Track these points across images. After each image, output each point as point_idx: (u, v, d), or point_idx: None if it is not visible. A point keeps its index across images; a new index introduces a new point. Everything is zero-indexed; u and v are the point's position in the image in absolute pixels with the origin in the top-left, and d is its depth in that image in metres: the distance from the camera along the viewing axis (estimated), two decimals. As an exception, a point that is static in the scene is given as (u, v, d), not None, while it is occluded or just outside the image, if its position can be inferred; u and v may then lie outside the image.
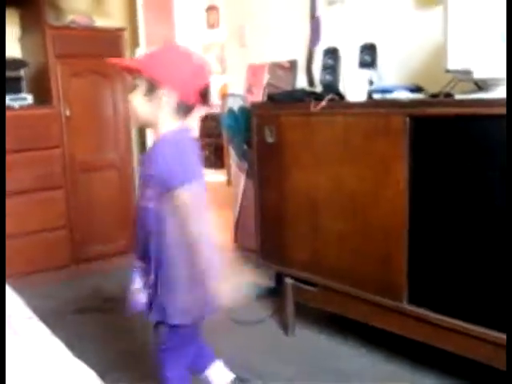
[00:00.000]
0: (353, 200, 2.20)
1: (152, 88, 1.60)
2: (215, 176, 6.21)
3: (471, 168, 1.82)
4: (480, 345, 1.84)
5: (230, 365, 2.29)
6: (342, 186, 2.24)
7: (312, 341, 2.58)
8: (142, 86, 1.61)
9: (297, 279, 2.55)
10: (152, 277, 1.70)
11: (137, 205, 1.77)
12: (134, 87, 1.63)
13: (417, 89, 2.19)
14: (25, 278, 3.20)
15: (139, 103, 1.64)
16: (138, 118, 1.69)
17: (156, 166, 1.62)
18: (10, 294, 1.50)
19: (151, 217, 1.66)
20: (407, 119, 1.97)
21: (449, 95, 2.01)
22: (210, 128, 7.51)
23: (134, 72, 1.64)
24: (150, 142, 3.83)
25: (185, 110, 1.66)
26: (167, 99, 1.60)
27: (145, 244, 1.72)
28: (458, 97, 1.93)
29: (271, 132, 2.47)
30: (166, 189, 1.58)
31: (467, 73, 1.84)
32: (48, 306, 2.97)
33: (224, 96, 3.61)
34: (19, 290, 1.65)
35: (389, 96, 2.15)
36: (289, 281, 2.59)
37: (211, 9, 7.33)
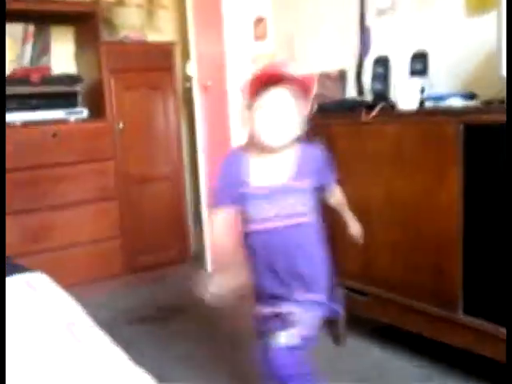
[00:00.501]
0: (405, 209, 2.19)
1: (299, 103, 1.60)
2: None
3: (528, 176, 1.78)
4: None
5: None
6: (394, 196, 2.22)
7: (363, 351, 2.56)
8: (297, 104, 1.59)
9: (349, 289, 2.53)
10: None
11: (261, 229, 1.66)
12: (281, 104, 1.57)
13: (470, 96, 2.16)
14: (80, 287, 3.27)
15: (299, 118, 1.61)
16: (290, 136, 1.62)
17: (320, 160, 1.71)
18: (71, 302, 1.54)
19: (305, 232, 1.70)
20: (461, 127, 1.94)
21: (503, 102, 1.97)
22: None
23: (307, 89, 1.59)
24: (202, 154, 3.88)
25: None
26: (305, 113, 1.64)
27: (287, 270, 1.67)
28: None
29: (322, 142, 2.47)
30: (323, 190, 1.77)
31: (522, 78, 1.80)
32: (103, 316, 3.02)
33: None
34: (75, 299, 1.69)
35: (441, 104, 2.13)
36: (340, 290, 2.57)
37: (259, 20, 7.39)
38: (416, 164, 2.12)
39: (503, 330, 1.90)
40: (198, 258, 4.13)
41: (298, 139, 1.66)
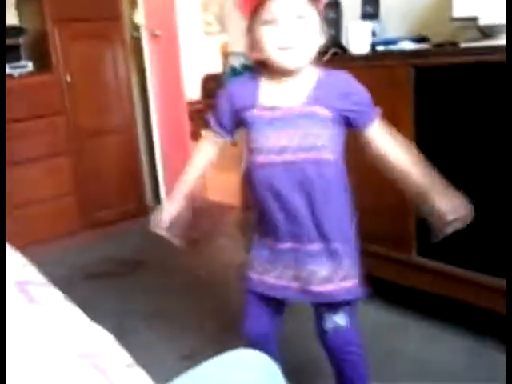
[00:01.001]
0: (358, 154, 2.19)
1: (319, 16, 1.34)
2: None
3: (477, 116, 1.80)
4: (490, 294, 1.86)
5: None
6: (347, 140, 2.22)
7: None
8: (314, 13, 1.32)
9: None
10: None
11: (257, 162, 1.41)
12: (301, 16, 1.30)
13: (421, 39, 2.16)
14: (35, 245, 3.23)
15: (313, 34, 1.33)
16: (308, 54, 1.35)
17: (349, 89, 1.40)
18: (23, 261, 1.51)
19: (330, 172, 1.43)
20: (412, 70, 1.94)
21: (453, 44, 1.98)
22: (212, 89, 7.46)
23: None
24: (154, 105, 3.80)
25: None
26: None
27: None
28: (462, 45, 1.90)
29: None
30: (357, 125, 1.42)
31: (473, 19, 1.80)
32: (59, 273, 3.00)
33: (225, 55, 3.57)
34: (30, 258, 1.66)
35: (392, 47, 2.12)
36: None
37: (208, -35, 7.21)
38: (369, 109, 2.12)
39: (455, 270, 1.95)
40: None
41: (317, 60, 1.41)
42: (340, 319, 1.51)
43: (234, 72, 3.22)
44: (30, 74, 3.40)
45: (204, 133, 1.55)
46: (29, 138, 3.37)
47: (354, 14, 2.50)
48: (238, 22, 3.45)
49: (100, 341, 1.08)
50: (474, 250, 1.91)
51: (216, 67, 7.08)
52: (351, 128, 1.44)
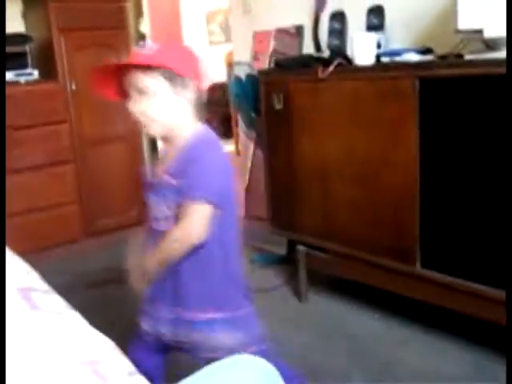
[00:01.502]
0: (363, 165, 2.20)
1: (176, 84, 1.34)
2: (223, 146, 6.17)
3: (482, 129, 1.80)
4: (493, 306, 1.85)
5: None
6: (352, 152, 2.23)
7: (325, 307, 2.60)
8: (160, 86, 1.33)
9: (308, 246, 2.55)
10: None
11: (148, 228, 1.52)
12: (141, 92, 1.33)
13: (425, 50, 2.16)
14: (37, 253, 3.22)
15: (161, 107, 1.35)
16: (161, 125, 1.38)
17: (191, 164, 1.34)
18: (27, 268, 1.52)
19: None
20: (416, 81, 1.95)
21: (458, 56, 1.98)
22: (217, 97, 7.48)
23: (153, 67, 1.31)
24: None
25: (200, 106, 1.41)
26: (191, 94, 1.37)
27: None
28: (467, 57, 1.90)
29: (279, 99, 2.45)
30: (183, 199, 1.35)
31: (478, 32, 1.81)
32: (61, 280, 2.98)
33: (230, 65, 3.59)
34: (33, 265, 1.66)
35: (397, 59, 2.12)
36: (301, 248, 2.59)
37: (214, -24, 7.26)
38: (373, 119, 2.12)
39: (459, 281, 1.94)
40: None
41: (200, 124, 1.42)
42: None
43: (239, 81, 3.23)
44: (36, 81, 3.41)
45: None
46: (32, 145, 3.38)
47: (358, 25, 2.51)
48: (242, 32, 3.47)
49: (102, 348, 1.08)
50: (478, 262, 1.90)
51: (221, 76, 7.12)
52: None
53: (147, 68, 1.30)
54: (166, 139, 1.43)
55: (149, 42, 1.31)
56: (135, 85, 1.32)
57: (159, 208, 1.41)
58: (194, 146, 1.37)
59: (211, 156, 1.39)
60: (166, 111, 1.35)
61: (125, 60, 1.33)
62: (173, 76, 1.33)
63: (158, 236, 1.41)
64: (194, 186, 1.33)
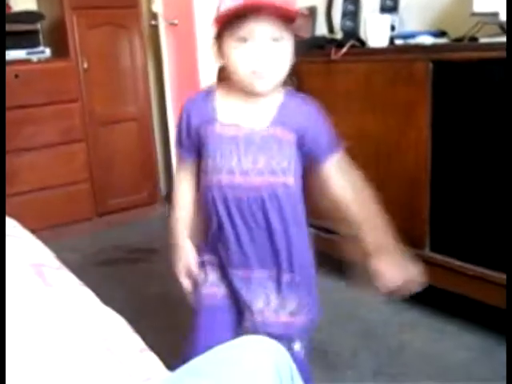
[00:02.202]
0: (375, 147, 2.19)
1: (287, 36, 1.26)
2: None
3: (495, 113, 1.79)
4: (501, 291, 1.85)
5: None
6: (364, 134, 2.22)
7: (334, 289, 2.60)
8: (287, 37, 1.26)
9: (318, 228, 2.55)
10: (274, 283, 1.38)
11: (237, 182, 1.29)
12: (276, 40, 1.23)
13: (440, 33, 2.15)
14: (49, 230, 3.25)
15: (287, 58, 1.27)
16: (279, 77, 1.28)
17: (312, 121, 1.32)
18: (39, 245, 1.53)
19: (287, 199, 1.35)
20: (430, 64, 1.93)
21: (473, 39, 1.96)
22: (226, 78, 7.45)
23: (291, 18, 1.24)
24: (169, 94, 3.81)
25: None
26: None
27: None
28: (482, 40, 1.89)
29: (292, 80, 2.43)
30: (315, 159, 1.34)
31: (493, 15, 1.79)
32: (74, 258, 3.02)
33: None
34: (45, 243, 1.67)
35: (411, 41, 2.11)
36: (310, 230, 2.59)
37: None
38: (386, 101, 2.11)
39: (469, 266, 1.94)
40: (168, 199, 4.12)
41: (284, 83, 1.33)
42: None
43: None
44: (48, 60, 3.41)
45: (177, 165, 1.46)
46: (44, 123, 3.38)
47: (373, 6, 2.49)
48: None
49: (113, 325, 1.09)
50: (488, 247, 1.90)
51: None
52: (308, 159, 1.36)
53: (285, 18, 1.21)
54: (254, 95, 1.28)
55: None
56: (269, 31, 1.20)
57: (251, 160, 1.28)
58: (295, 98, 1.34)
59: (319, 108, 1.36)
60: (287, 64, 1.28)
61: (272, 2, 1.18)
62: (297, 30, 1.29)
63: (246, 192, 1.29)
64: (329, 141, 1.35)
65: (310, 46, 2.45)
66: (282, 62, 1.26)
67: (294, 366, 0.99)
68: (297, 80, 2.42)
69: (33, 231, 1.74)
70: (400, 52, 2.10)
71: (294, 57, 1.30)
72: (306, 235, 1.44)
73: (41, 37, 3.48)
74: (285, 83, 1.33)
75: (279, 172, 1.30)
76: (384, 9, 2.43)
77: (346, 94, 2.25)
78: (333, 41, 2.41)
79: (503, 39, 1.80)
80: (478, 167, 1.88)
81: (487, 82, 1.80)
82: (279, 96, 1.32)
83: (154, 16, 3.78)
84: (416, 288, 1.35)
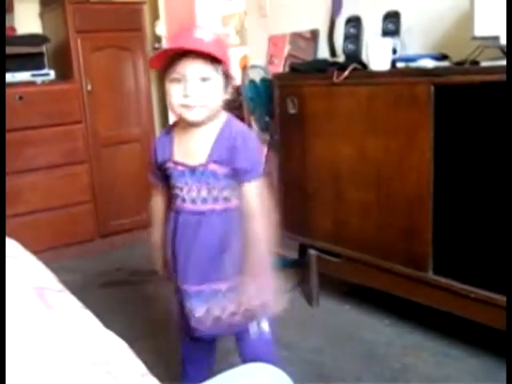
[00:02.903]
0: (377, 170, 2.19)
1: (227, 77, 1.48)
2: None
3: (497, 136, 1.80)
4: (505, 314, 1.84)
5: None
6: (366, 157, 2.22)
7: (336, 311, 2.60)
8: (217, 75, 1.44)
9: (320, 250, 2.55)
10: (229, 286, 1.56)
11: (184, 209, 1.55)
12: (203, 79, 1.43)
13: (442, 57, 2.16)
14: (51, 251, 3.25)
15: (216, 94, 1.46)
16: (210, 110, 1.47)
17: (244, 155, 1.48)
18: (41, 267, 1.53)
19: (221, 221, 1.53)
20: (432, 87, 1.94)
21: (475, 63, 1.97)
22: (230, 100, 7.49)
23: (219, 61, 1.43)
24: (173, 118, 3.82)
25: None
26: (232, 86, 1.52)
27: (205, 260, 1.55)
28: (483, 64, 1.90)
29: (294, 103, 2.45)
30: (238, 181, 1.51)
31: (494, 39, 1.80)
32: (75, 280, 3.02)
33: (244, 68, 3.59)
34: (46, 264, 1.67)
35: (413, 64, 2.12)
36: (312, 252, 2.59)
37: (230, -21, 7.26)
38: (387, 125, 2.12)
39: (472, 289, 1.93)
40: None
41: (227, 111, 1.55)
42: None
43: (253, 85, 3.23)
44: (52, 82, 3.44)
45: (153, 187, 1.68)
46: (48, 144, 3.40)
47: (374, 30, 2.51)
48: (257, 36, 3.47)
49: (114, 348, 1.08)
50: (491, 270, 1.89)
51: (235, 79, 7.11)
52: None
53: (210, 58, 1.41)
54: (197, 125, 1.50)
55: (201, 29, 1.45)
56: (197, 71, 1.41)
57: (196, 190, 1.52)
58: (231, 125, 1.52)
59: (252, 135, 1.58)
60: (217, 99, 1.47)
61: (194, 46, 1.40)
62: (226, 70, 1.47)
63: (193, 215, 1.53)
64: (249, 169, 1.50)
65: (313, 69, 2.47)
66: (210, 98, 1.45)
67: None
68: (298, 102, 2.46)
69: (34, 252, 1.73)
70: (402, 75, 2.11)
71: (226, 92, 1.50)
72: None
73: (45, 59, 3.52)
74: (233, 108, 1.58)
75: (220, 200, 1.52)
76: (386, 32, 2.45)
77: (348, 116, 2.26)
78: (335, 64, 2.42)
79: (504, 62, 1.82)
80: (480, 189, 1.88)
81: (489, 105, 1.81)
82: (217, 124, 1.52)
83: (158, 39, 3.82)
84: (272, 311, 1.57)
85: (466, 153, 1.90)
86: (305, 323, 2.48)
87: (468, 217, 1.93)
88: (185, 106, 1.44)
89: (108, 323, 1.25)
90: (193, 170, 1.51)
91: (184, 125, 1.53)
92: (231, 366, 1.05)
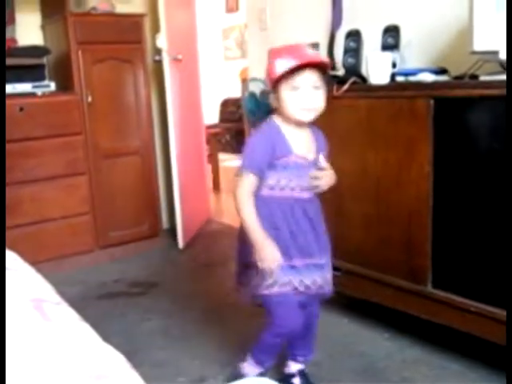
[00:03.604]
0: (377, 184, 2.20)
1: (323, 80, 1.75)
2: (236, 161, 6.21)
3: (496, 150, 1.80)
4: (505, 329, 1.83)
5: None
6: (366, 170, 2.23)
7: (336, 325, 2.59)
8: (322, 84, 1.74)
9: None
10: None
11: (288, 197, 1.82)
12: (317, 87, 1.73)
13: (441, 71, 2.17)
14: (50, 263, 3.24)
15: (323, 101, 1.76)
16: (317, 113, 1.77)
17: (326, 145, 1.89)
18: (39, 279, 1.52)
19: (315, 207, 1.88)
20: (431, 101, 1.95)
21: (474, 77, 1.98)
22: (230, 113, 7.52)
23: (325, 70, 1.75)
24: (172, 128, 3.83)
25: None
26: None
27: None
28: (482, 78, 1.90)
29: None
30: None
31: (493, 53, 1.81)
32: (74, 291, 3.02)
33: (244, 80, 3.60)
34: (45, 276, 1.67)
35: (412, 78, 2.13)
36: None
37: (230, -8, 7.32)
38: (387, 138, 2.12)
39: (471, 303, 1.93)
40: (170, 233, 4.12)
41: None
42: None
43: (253, 97, 3.24)
44: (52, 93, 3.44)
45: (245, 179, 1.76)
46: (48, 155, 3.40)
47: (374, 44, 2.52)
48: (258, 49, 3.49)
49: (111, 362, 1.08)
50: (490, 284, 1.89)
51: (235, 92, 7.14)
52: None
53: (321, 69, 1.73)
54: (301, 125, 1.79)
55: (308, 47, 1.85)
56: (314, 81, 1.72)
57: (304, 180, 1.81)
58: (314, 127, 1.87)
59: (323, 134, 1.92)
60: (323, 104, 1.76)
61: (318, 59, 1.75)
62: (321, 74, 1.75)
63: (304, 202, 1.83)
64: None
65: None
66: (320, 102, 1.76)
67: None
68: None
69: (33, 264, 1.73)
70: (401, 89, 2.11)
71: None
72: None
73: (46, 71, 3.53)
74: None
75: (316, 188, 1.87)
76: (385, 46, 2.46)
77: (348, 130, 2.27)
78: (335, 77, 2.43)
79: (503, 77, 1.83)
80: (479, 203, 1.88)
81: (488, 119, 1.82)
82: (308, 126, 1.84)
83: (158, 51, 3.83)
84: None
85: (464, 166, 1.90)
86: (304, 336, 2.47)
87: (467, 230, 1.93)
88: (304, 110, 1.74)
89: (106, 335, 1.25)
90: (306, 162, 1.80)
91: (290, 123, 1.79)
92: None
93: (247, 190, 1.76)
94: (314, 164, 1.83)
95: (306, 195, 1.83)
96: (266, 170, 1.76)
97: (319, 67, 1.72)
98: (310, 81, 1.71)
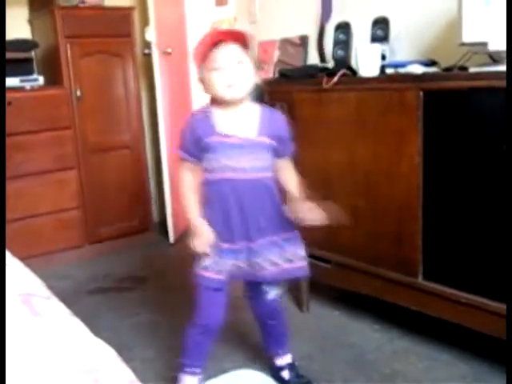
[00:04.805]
0: (366, 176, 2.20)
1: (246, 54, 1.73)
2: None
3: (486, 141, 1.80)
4: (495, 320, 1.84)
5: (246, 343, 2.32)
6: (356, 163, 2.23)
7: (326, 317, 2.59)
8: (248, 57, 1.73)
9: (310, 256, 2.54)
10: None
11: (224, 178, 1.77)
12: (240, 62, 1.70)
13: (430, 63, 2.16)
14: (39, 258, 3.23)
15: (250, 75, 1.74)
16: (246, 89, 1.74)
17: (283, 128, 1.82)
18: (28, 274, 1.52)
19: (270, 188, 1.83)
20: (421, 93, 1.95)
21: (463, 68, 1.98)
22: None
23: (246, 44, 1.73)
24: (162, 122, 3.81)
25: None
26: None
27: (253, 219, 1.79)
28: (472, 70, 1.91)
29: (283, 109, 2.45)
30: (278, 154, 1.83)
31: (482, 45, 1.81)
32: (64, 286, 3.01)
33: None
34: (34, 271, 1.66)
35: (402, 70, 2.13)
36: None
37: (220, -15, 7.27)
38: (377, 130, 2.12)
39: (462, 294, 1.94)
40: (161, 227, 4.11)
41: (255, 96, 1.80)
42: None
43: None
44: (41, 87, 3.42)
45: (182, 164, 1.83)
46: (37, 150, 3.38)
47: (364, 36, 2.52)
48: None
49: (102, 356, 1.07)
50: (481, 275, 1.90)
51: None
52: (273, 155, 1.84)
53: (243, 44, 1.71)
54: (233, 103, 1.74)
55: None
56: (233, 56, 1.69)
57: (247, 161, 1.75)
58: (268, 110, 1.84)
59: (283, 117, 1.87)
60: (251, 80, 1.74)
61: (235, 31, 1.81)
62: (243, 49, 1.73)
63: (240, 183, 1.76)
64: (287, 145, 1.86)
65: (302, 75, 2.47)
66: (245, 77, 1.72)
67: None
68: (287, 107, 2.46)
69: (23, 259, 1.72)
70: (391, 81, 2.11)
71: (255, 75, 1.77)
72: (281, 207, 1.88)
73: (34, 65, 3.50)
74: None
75: (263, 169, 1.79)
76: (375, 38, 2.46)
77: (337, 122, 2.26)
78: (324, 69, 2.42)
79: (492, 68, 1.83)
80: (469, 195, 1.88)
81: (477, 111, 1.82)
82: (256, 108, 1.81)
83: (148, 45, 3.81)
84: (320, 221, 1.82)
85: (455, 158, 1.91)
86: (295, 328, 2.47)
87: (458, 222, 1.94)
88: (229, 86, 1.71)
89: (96, 330, 1.24)
90: (242, 142, 1.75)
91: (222, 104, 1.76)
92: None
93: (184, 174, 1.82)
94: (256, 144, 1.76)
95: (242, 176, 1.75)
96: (198, 153, 1.77)
97: (238, 42, 1.71)
98: (230, 56, 1.69)
